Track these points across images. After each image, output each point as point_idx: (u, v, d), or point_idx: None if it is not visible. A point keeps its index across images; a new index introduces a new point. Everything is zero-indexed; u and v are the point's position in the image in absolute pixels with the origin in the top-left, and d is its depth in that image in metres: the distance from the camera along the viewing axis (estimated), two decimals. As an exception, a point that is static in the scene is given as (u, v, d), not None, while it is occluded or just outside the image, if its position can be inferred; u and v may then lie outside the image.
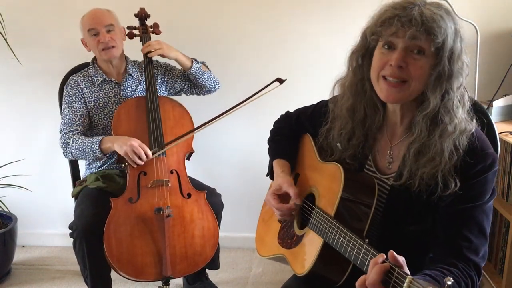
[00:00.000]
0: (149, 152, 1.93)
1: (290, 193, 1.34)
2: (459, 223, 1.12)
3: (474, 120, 1.15)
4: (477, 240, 1.11)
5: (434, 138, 1.11)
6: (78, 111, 2.13)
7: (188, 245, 1.96)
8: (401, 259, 0.95)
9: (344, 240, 1.13)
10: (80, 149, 2.02)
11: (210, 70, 2.28)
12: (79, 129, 2.11)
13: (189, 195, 2.03)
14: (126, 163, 1.94)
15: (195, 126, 2.11)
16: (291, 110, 1.59)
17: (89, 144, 2.00)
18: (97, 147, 1.98)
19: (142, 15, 2.24)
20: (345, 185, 1.21)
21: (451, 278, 0.83)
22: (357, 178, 1.27)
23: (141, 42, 2.22)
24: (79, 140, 2.03)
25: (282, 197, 1.38)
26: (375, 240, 1.22)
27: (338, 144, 1.31)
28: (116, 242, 1.88)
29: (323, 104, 1.42)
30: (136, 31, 2.24)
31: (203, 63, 2.27)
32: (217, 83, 2.29)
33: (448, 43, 1.07)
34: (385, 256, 0.96)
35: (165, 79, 2.27)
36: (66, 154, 2.10)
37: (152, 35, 2.25)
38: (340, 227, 1.15)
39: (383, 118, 1.25)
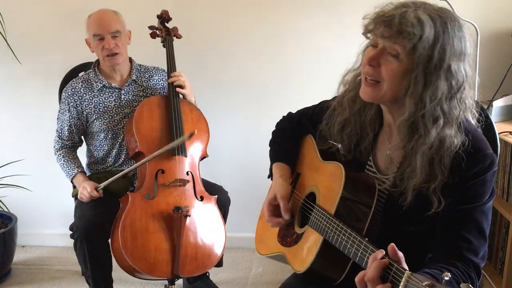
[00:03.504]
0: (95, 194, 2.01)
1: (281, 206, 1.37)
2: (458, 224, 1.11)
3: (466, 124, 1.13)
4: (476, 241, 1.11)
5: (410, 148, 1.12)
6: (68, 121, 2.15)
7: (199, 246, 1.97)
8: (400, 254, 0.95)
9: (343, 237, 1.13)
10: (61, 167, 2.16)
11: None
12: (68, 143, 2.20)
13: (201, 198, 2.04)
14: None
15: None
16: (293, 110, 1.59)
17: (66, 169, 2.14)
18: (70, 179, 2.13)
19: (165, 17, 2.24)
20: (345, 184, 1.22)
21: (449, 274, 0.83)
22: (357, 177, 1.27)
23: (163, 43, 2.22)
24: (62, 160, 2.16)
25: (277, 207, 1.39)
26: (374, 240, 1.23)
27: (333, 135, 1.32)
28: (131, 236, 1.88)
29: (324, 105, 1.42)
30: (159, 32, 2.24)
31: None
32: None
33: (419, 50, 1.04)
34: (384, 252, 0.97)
35: None
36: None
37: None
38: (340, 224, 1.16)
39: (380, 117, 1.26)
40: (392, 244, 0.96)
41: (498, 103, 2.23)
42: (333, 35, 2.46)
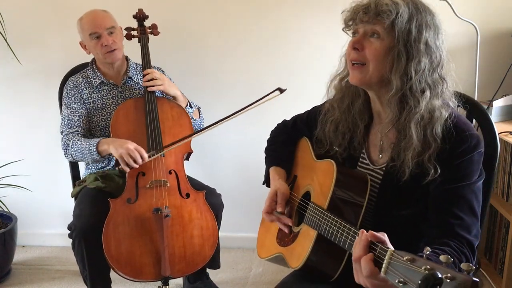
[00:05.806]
0: (145, 155, 1.90)
1: (278, 198, 1.40)
2: (449, 202, 1.15)
3: (451, 105, 1.19)
4: (468, 218, 1.14)
5: (403, 120, 1.17)
6: (77, 112, 2.12)
7: (187, 245, 1.97)
8: (382, 234, 0.99)
9: (335, 228, 1.16)
10: (79, 150, 2.03)
11: (201, 117, 2.28)
12: (79, 130, 2.11)
13: (187, 195, 2.03)
14: (120, 166, 1.92)
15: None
16: (292, 110, 1.62)
17: (87, 146, 2.00)
18: (94, 149, 1.97)
19: (140, 16, 2.24)
20: (337, 178, 1.25)
21: (429, 248, 0.87)
22: (350, 172, 1.32)
23: (139, 43, 2.21)
24: (78, 142, 2.04)
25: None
26: (369, 227, 1.24)
27: (329, 137, 1.37)
28: (115, 242, 1.89)
29: (317, 109, 1.48)
30: (134, 32, 2.23)
31: (198, 108, 2.27)
32: (199, 128, 2.27)
33: (398, 24, 1.12)
34: (365, 231, 1.01)
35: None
36: (67, 156, 2.11)
37: (151, 36, 2.25)
38: (332, 216, 1.19)
39: (368, 109, 1.31)
40: (370, 231, 1.00)
41: (498, 103, 2.23)
42: (333, 35, 2.45)
